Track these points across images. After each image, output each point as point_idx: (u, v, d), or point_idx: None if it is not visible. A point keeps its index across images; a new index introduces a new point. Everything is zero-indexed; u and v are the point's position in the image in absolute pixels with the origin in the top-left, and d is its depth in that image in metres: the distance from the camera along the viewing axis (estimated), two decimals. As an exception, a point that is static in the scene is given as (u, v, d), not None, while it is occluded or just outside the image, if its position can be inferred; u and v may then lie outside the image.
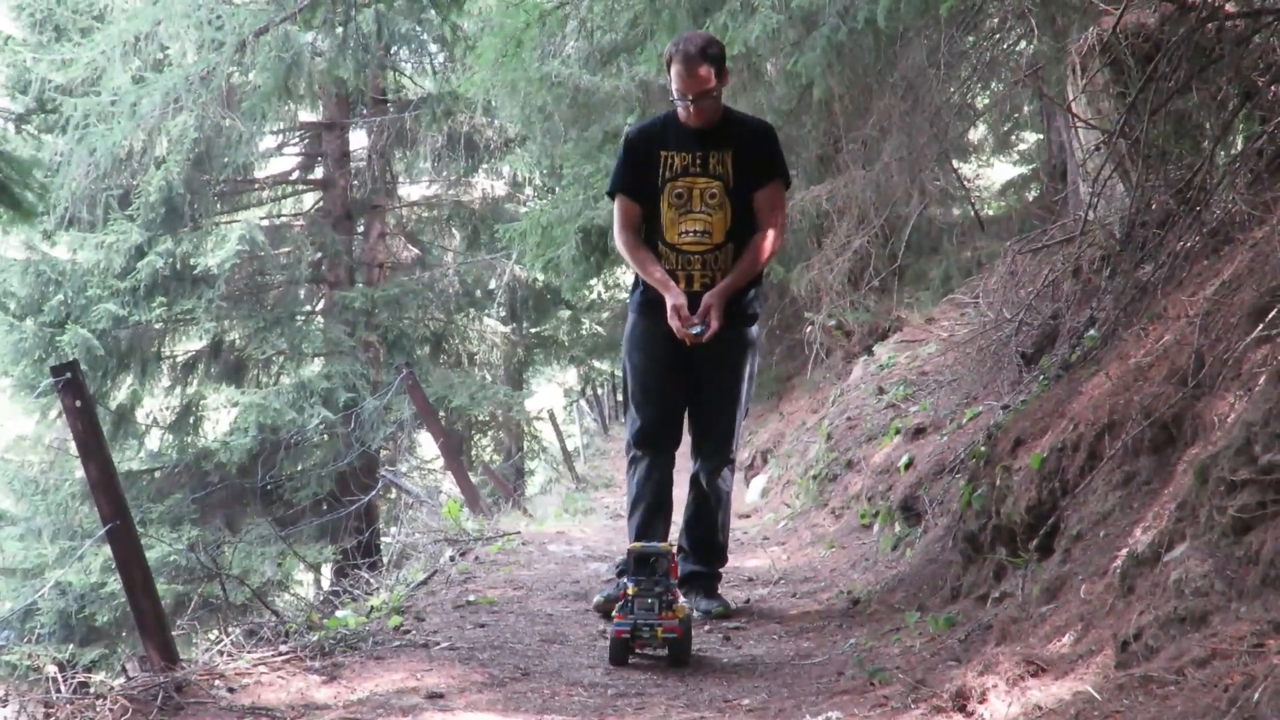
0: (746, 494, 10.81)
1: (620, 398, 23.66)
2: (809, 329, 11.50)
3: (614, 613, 4.23)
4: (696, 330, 4.64)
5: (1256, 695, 2.09)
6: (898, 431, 7.26)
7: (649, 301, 4.87)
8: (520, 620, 5.06)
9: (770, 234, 4.80)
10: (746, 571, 6.46)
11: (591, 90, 10.09)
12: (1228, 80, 4.55)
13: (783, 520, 8.39)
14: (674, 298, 4.68)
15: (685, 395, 4.97)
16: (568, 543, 7.67)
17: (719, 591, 5.22)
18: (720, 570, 5.22)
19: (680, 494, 5.07)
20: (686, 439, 5.12)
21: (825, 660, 4.16)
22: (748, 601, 5.60)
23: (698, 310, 4.69)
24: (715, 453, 5.03)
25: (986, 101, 11.31)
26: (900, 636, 4.19)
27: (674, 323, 4.67)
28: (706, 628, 4.84)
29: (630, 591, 4.17)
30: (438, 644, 4.48)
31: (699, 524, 5.12)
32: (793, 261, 10.56)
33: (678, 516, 5.14)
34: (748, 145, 4.80)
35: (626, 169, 4.86)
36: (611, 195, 4.97)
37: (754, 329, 4.99)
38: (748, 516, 9.42)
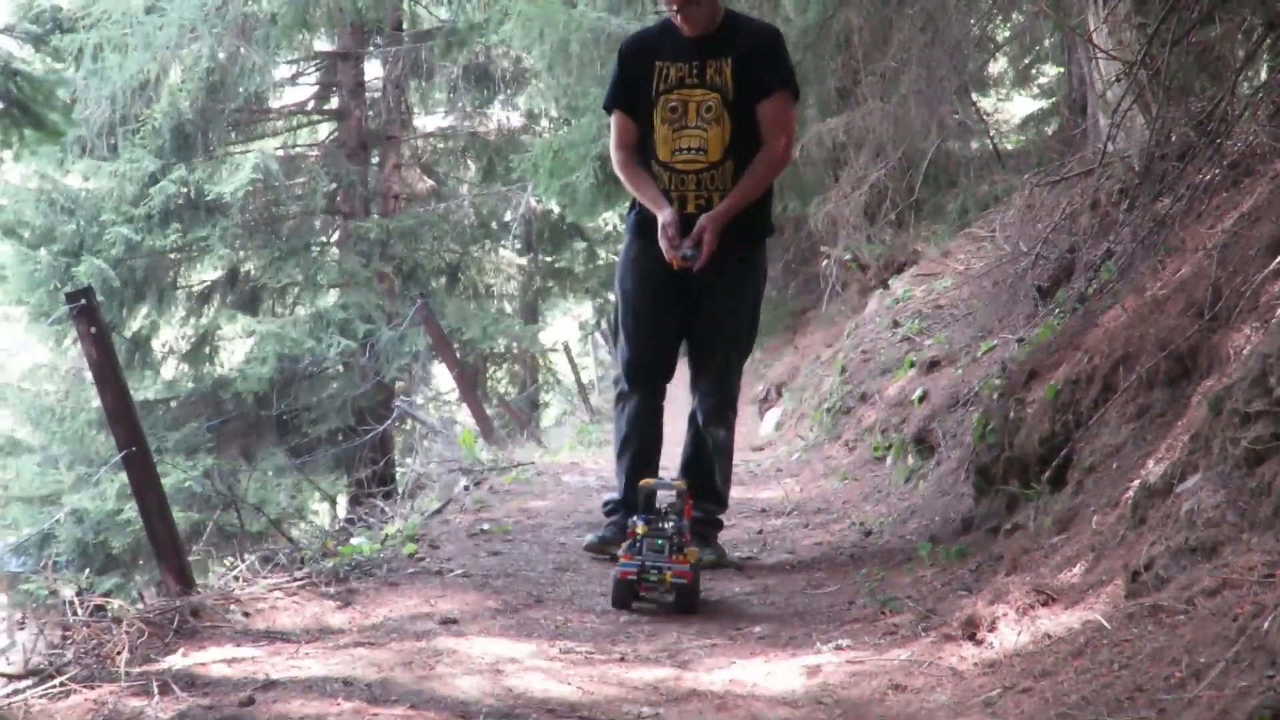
0: (760, 427, 10.83)
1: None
2: (825, 263, 11.47)
3: (620, 552, 4.03)
4: (687, 254, 4.33)
5: (1266, 625, 2.09)
6: (912, 365, 7.25)
7: (642, 221, 4.56)
8: (533, 549, 5.10)
9: (774, 150, 4.41)
10: (759, 503, 6.49)
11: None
12: (1251, 11, 4.48)
13: (796, 453, 8.42)
14: (664, 216, 4.37)
15: (680, 325, 4.65)
16: (581, 474, 7.70)
17: (716, 540, 4.86)
18: (719, 518, 4.89)
19: (676, 430, 4.90)
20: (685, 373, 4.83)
21: (837, 590, 4.19)
22: (760, 532, 5.62)
23: (691, 232, 4.37)
24: (712, 392, 4.70)
25: (1006, 34, 11.17)
26: (912, 567, 4.20)
27: (663, 243, 4.36)
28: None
29: (639, 531, 3.96)
30: (451, 571, 4.52)
31: (695, 468, 4.77)
32: (809, 194, 10.49)
33: (667, 460, 4.94)
34: (749, 53, 4.40)
35: (620, 83, 4.52)
36: (608, 110, 4.63)
37: (760, 253, 4.63)
38: (761, 449, 9.45)
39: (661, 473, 4.77)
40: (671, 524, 3.98)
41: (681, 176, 4.46)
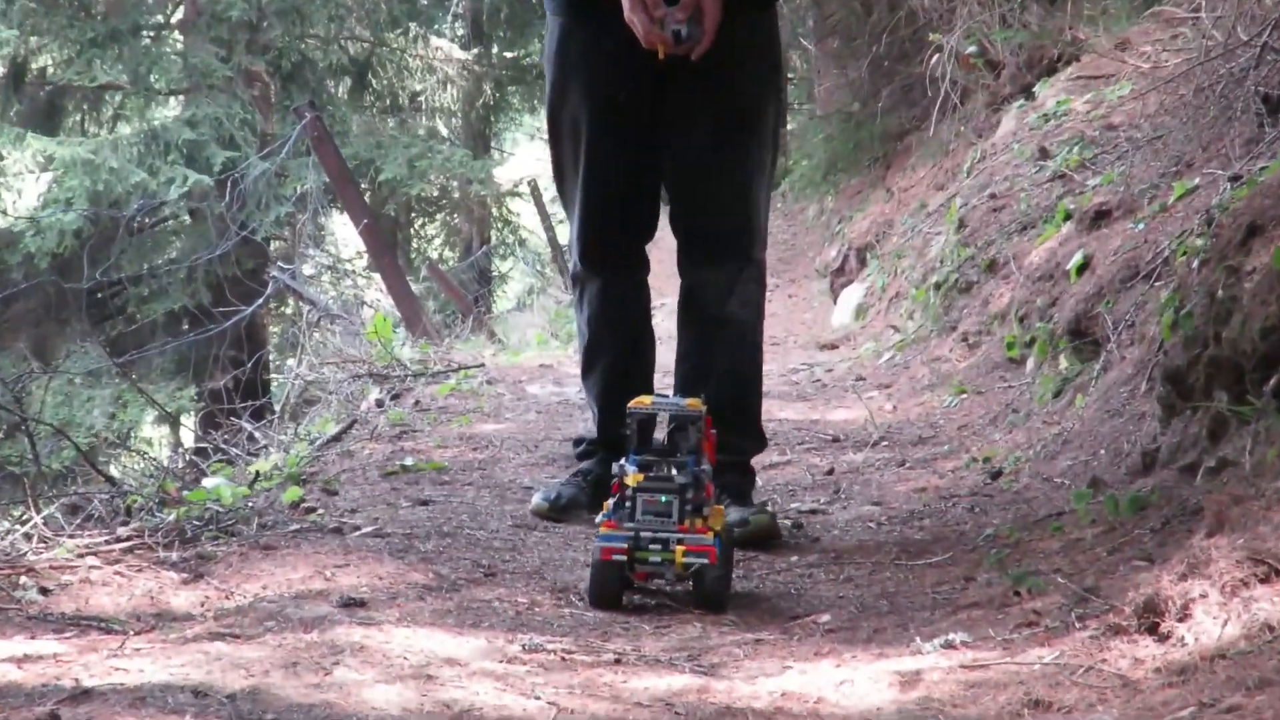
0: (832, 313, 10.83)
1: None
2: (934, 59, 11.37)
3: (600, 519, 3.91)
4: (680, 32, 4.23)
5: None
6: (1067, 217, 7.22)
7: None
8: (483, 496, 5.12)
9: None
10: (830, 429, 6.51)
11: None
12: None
13: (887, 352, 8.43)
14: None
15: (656, 162, 4.61)
16: (556, 382, 7.72)
17: (752, 494, 4.78)
18: (754, 457, 4.87)
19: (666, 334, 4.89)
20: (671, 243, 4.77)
21: (947, 559, 4.22)
22: (830, 472, 5.65)
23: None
24: (725, 253, 4.68)
25: None
26: (1062, 525, 4.22)
27: (636, 18, 4.23)
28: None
29: (629, 481, 3.85)
30: (357, 529, 4.54)
31: (709, 380, 4.63)
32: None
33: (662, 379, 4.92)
34: None
35: None
36: None
37: (774, 20, 4.62)
38: (832, 347, 9.46)
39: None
40: (685, 469, 3.86)
41: None
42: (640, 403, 3.97)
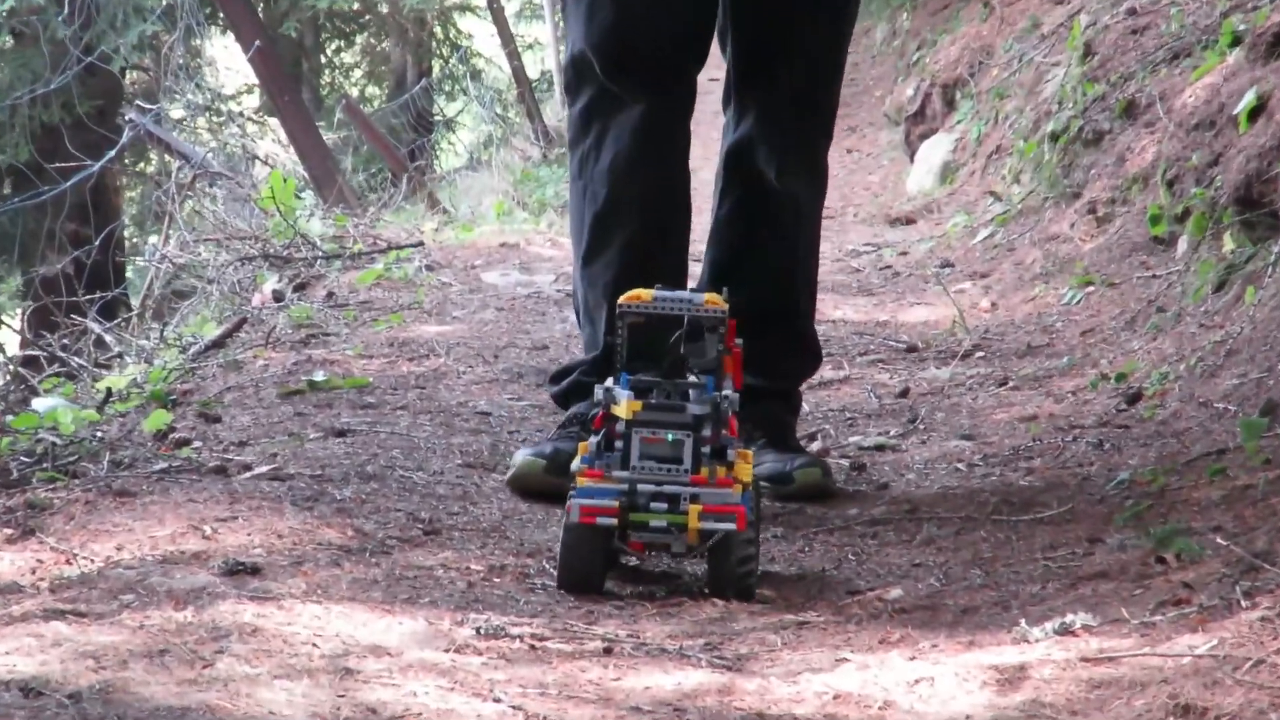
0: (909, 173, 10.82)
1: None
2: None
3: (576, 465, 3.86)
4: None
5: None
6: (1235, 42, 7.21)
7: None
8: (422, 424, 5.15)
9: None
10: (904, 333, 6.53)
11: None
12: None
13: (985, 227, 8.43)
14: None
15: None
16: (523, 267, 7.74)
17: (794, 434, 4.79)
18: (803, 386, 4.94)
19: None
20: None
21: (1064, 514, 4.24)
22: (905, 393, 5.66)
23: None
24: (790, 102, 4.75)
25: None
26: (1224, 467, 4.24)
27: None
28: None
29: (621, 411, 3.80)
30: (247, 469, 4.57)
31: (753, 269, 4.72)
32: None
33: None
34: None
35: None
36: None
37: None
38: (910, 221, 9.48)
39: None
40: (701, 395, 3.82)
41: None
42: (636, 298, 3.88)
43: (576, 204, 4.83)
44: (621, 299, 3.89)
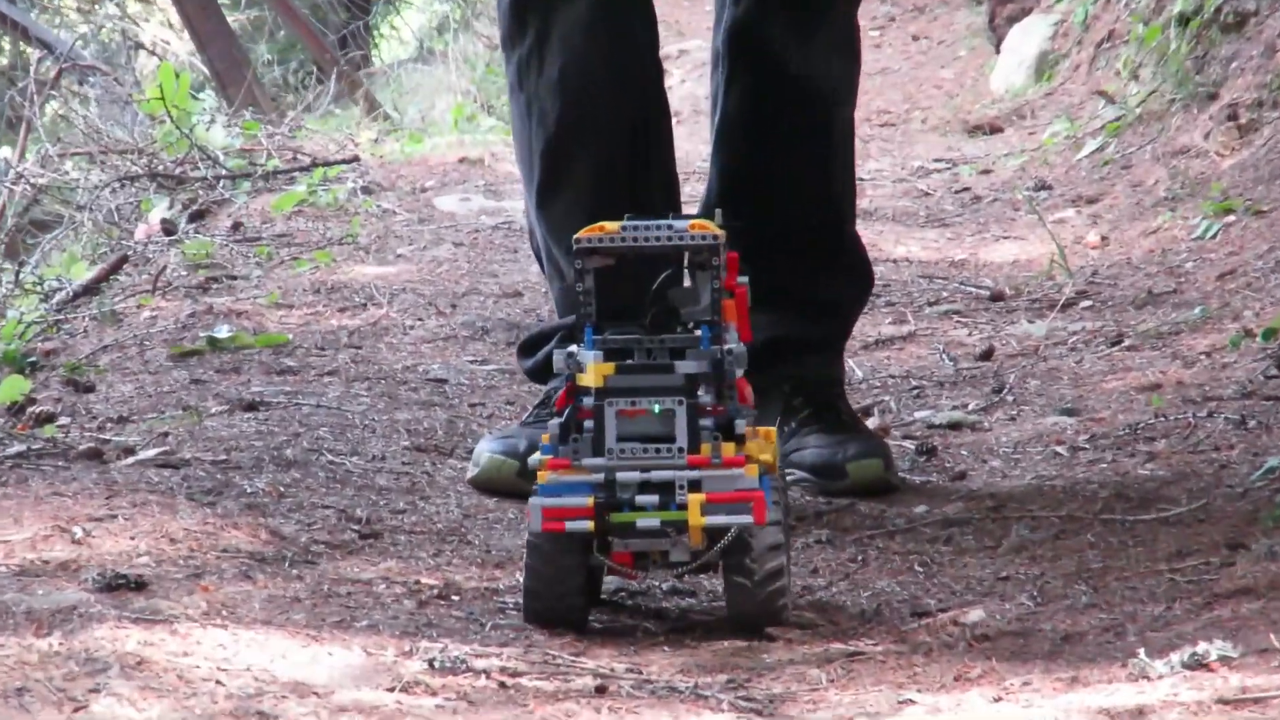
0: (993, 67, 10.85)
1: None
2: None
3: (536, 458, 3.79)
4: None
5: None
6: None
7: None
8: (358, 395, 5.16)
9: None
10: (987, 275, 6.54)
11: None
12: None
13: (1093, 137, 8.45)
14: None
15: None
16: (489, 190, 7.76)
17: (847, 402, 4.80)
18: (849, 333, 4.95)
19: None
20: None
21: (1195, 511, 4.24)
22: (989, 354, 5.66)
23: None
24: None
25: None
26: None
27: None
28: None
29: (588, 380, 3.73)
30: (130, 452, 4.58)
31: (779, 177, 4.74)
32: None
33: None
34: None
35: None
36: None
37: None
38: (995, 130, 9.51)
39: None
40: (693, 349, 3.76)
41: None
42: (599, 230, 3.79)
43: (520, 124, 4.81)
44: (579, 234, 3.79)
